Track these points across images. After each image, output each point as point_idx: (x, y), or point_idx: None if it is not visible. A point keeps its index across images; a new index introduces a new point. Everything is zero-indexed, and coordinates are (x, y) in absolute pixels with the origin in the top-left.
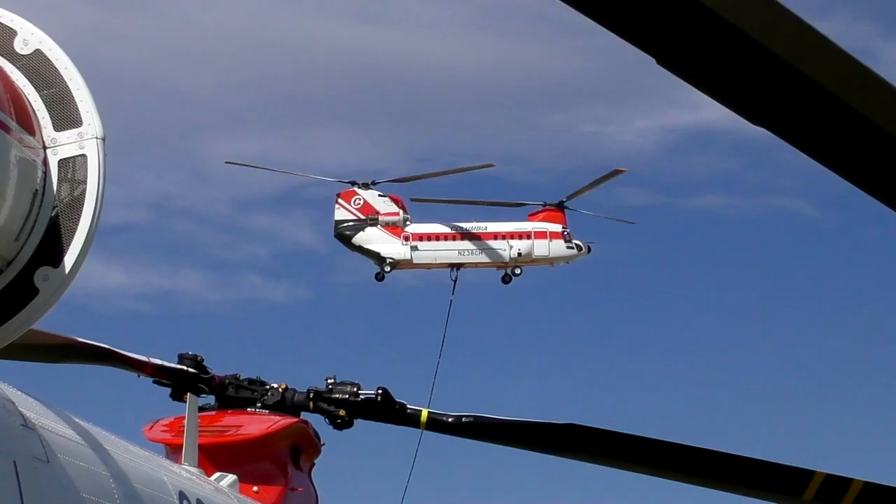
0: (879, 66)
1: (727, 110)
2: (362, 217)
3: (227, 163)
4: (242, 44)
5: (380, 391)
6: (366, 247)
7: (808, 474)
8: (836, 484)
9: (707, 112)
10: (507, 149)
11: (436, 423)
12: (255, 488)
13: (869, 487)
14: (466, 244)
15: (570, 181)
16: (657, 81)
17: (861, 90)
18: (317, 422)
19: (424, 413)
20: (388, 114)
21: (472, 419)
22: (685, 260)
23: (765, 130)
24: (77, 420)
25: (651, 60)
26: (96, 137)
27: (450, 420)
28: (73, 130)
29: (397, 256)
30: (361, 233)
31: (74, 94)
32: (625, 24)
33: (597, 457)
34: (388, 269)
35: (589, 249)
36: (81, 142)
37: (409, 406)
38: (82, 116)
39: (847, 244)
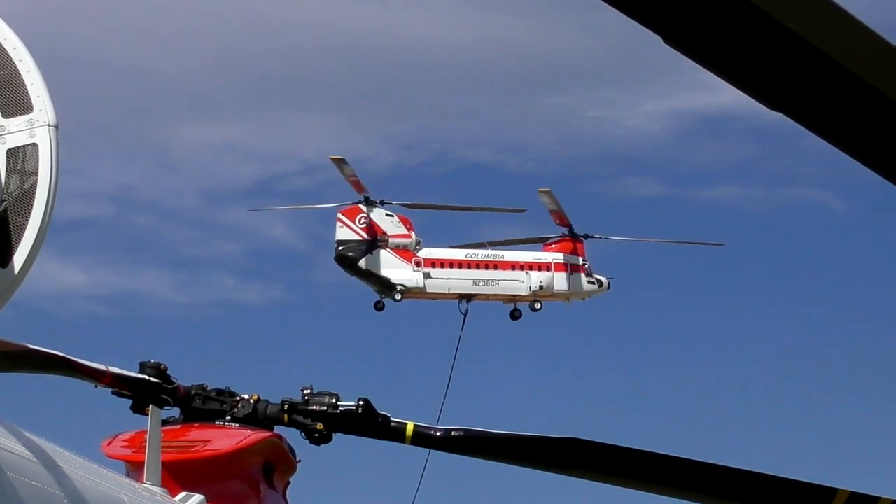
0: None
1: (742, 93)
2: (367, 238)
3: (250, 210)
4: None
5: (361, 402)
6: (374, 271)
7: (831, 492)
8: (862, 503)
9: (721, 95)
10: (502, 135)
11: (423, 438)
12: None
13: None
14: (482, 273)
15: (573, 170)
16: (666, 62)
17: (887, 71)
18: (292, 436)
19: (410, 426)
20: (371, 97)
21: (462, 433)
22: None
23: (783, 115)
24: (28, 435)
25: (658, 39)
26: (48, 125)
27: (438, 434)
28: (22, 117)
29: (409, 283)
30: (369, 255)
31: (24, 77)
32: None
33: (599, 474)
34: (397, 297)
35: (609, 285)
36: (32, 129)
37: (392, 419)
38: (33, 101)
39: (874, 238)
